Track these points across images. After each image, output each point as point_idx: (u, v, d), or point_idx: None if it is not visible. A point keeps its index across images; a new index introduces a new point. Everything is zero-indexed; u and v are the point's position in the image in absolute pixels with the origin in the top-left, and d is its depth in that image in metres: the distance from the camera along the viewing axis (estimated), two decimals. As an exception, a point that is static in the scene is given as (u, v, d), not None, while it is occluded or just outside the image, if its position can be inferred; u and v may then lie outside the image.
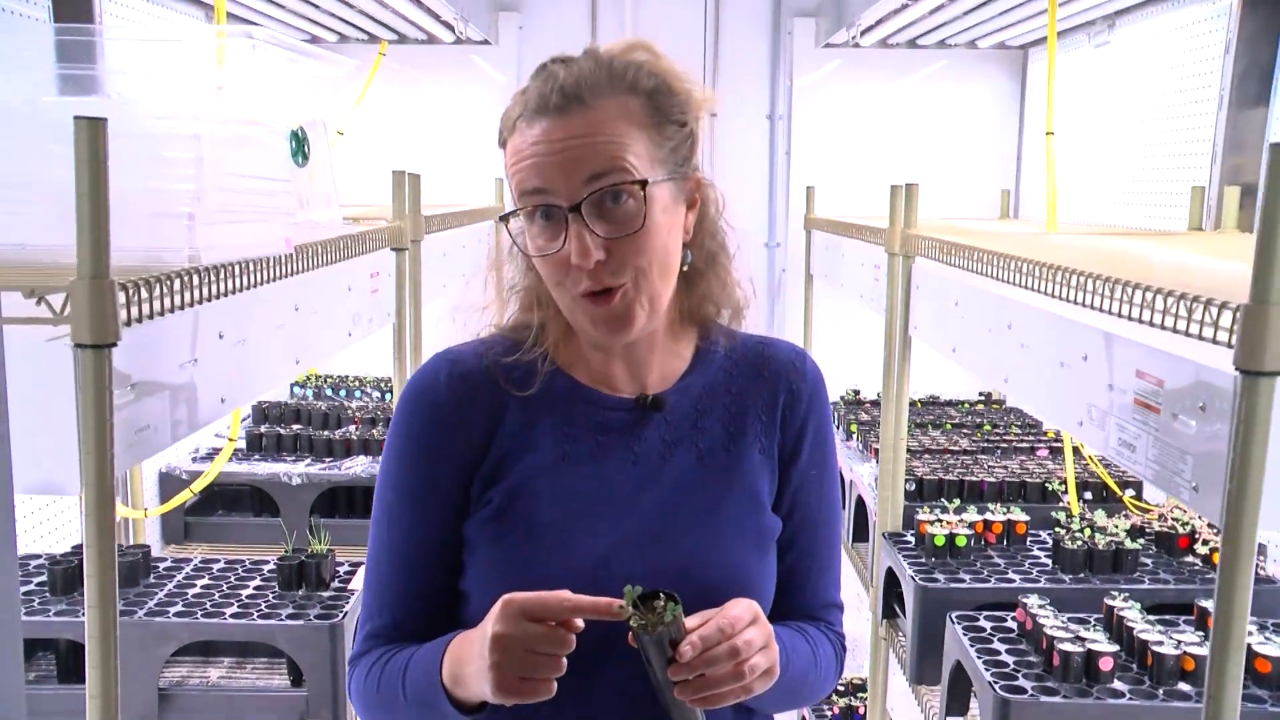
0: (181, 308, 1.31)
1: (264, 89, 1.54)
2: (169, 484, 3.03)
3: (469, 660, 1.09)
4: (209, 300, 1.36)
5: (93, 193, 1.13)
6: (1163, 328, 1.25)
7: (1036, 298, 1.74)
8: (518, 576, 1.14)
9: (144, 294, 1.20)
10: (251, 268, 1.50)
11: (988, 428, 3.56)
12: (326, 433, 3.30)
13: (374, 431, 3.31)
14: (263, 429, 3.31)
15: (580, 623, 1.05)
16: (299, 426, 3.42)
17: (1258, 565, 2.34)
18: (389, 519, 1.25)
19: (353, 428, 3.40)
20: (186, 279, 1.29)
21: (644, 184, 1.12)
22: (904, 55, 4.50)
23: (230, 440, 2.70)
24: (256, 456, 3.20)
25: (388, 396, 3.88)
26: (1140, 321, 1.27)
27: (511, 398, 1.23)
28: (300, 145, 1.86)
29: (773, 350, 1.31)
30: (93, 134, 1.12)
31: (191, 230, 1.39)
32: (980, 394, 4.14)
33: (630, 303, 1.15)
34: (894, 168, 4.38)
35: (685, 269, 1.24)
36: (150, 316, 1.24)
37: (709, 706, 1.07)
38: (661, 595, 1.05)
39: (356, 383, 4.00)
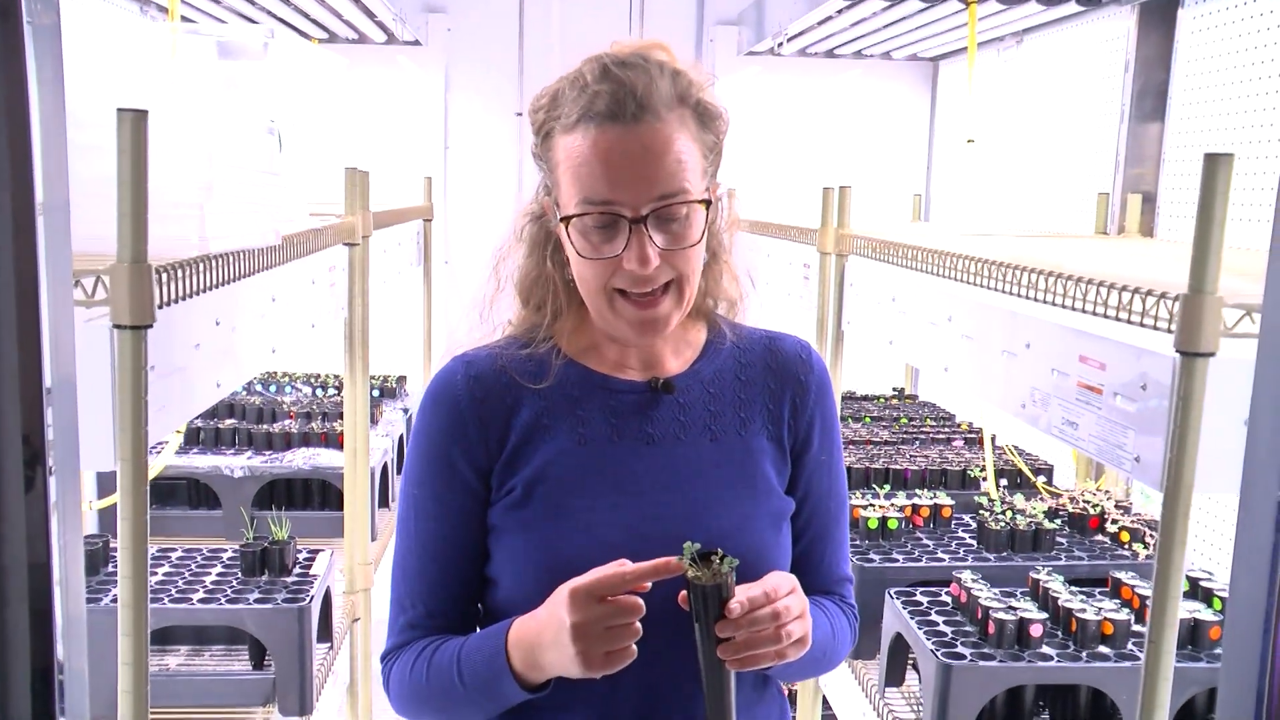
0: (201, 292, 1.37)
1: (270, 85, 1.60)
2: (105, 477, 3.01)
3: (545, 647, 1.15)
4: (225, 285, 1.42)
5: (134, 182, 1.20)
6: (1105, 317, 1.40)
7: (973, 291, 1.89)
8: (544, 560, 1.20)
9: (178, 278, 1.26)
10: (254, 257, 1.56)
11: (904, 420, 3.75)
12: (264, 426, 3.32)
13: (312, 425, 3.34)
14: (199, 422, 3.31)
15: (648, 585, 1.12)
16: (233, 420, 3.43)
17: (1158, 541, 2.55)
18: (416, 514, 1.29)
19: (289, 421, 3.42)
20: (214, 264, 1.34)
21: (707, 204, 1.21)
22: (821, 64, 4.69)
23: (178, 432, 2.71)
24: (195, 450, 3.20)
25: (318, 392, 3.91)
26: (1086, 312, 1.42)
27: (526, 391, 1.28)
28: (278, 140, 1.92)
29: (779, 344, 1.38)
30: (135, 126, 1.19)
31: (202, 220, 1.45)
32: (894, 389, 4.33)
33: (671, 308, 1.23)
34: (810, 172, 4.55)
35: None
36: (177, 300, 1.30)
37: (745, 668, 1.15)
38: (718, 553, 1.13)
39: (286, 378, 4.01)
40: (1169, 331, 1.26)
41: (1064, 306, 1.48)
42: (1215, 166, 1.21)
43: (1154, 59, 3.02)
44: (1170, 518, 1.25)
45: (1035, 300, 1.58)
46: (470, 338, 1.34)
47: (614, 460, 1.27)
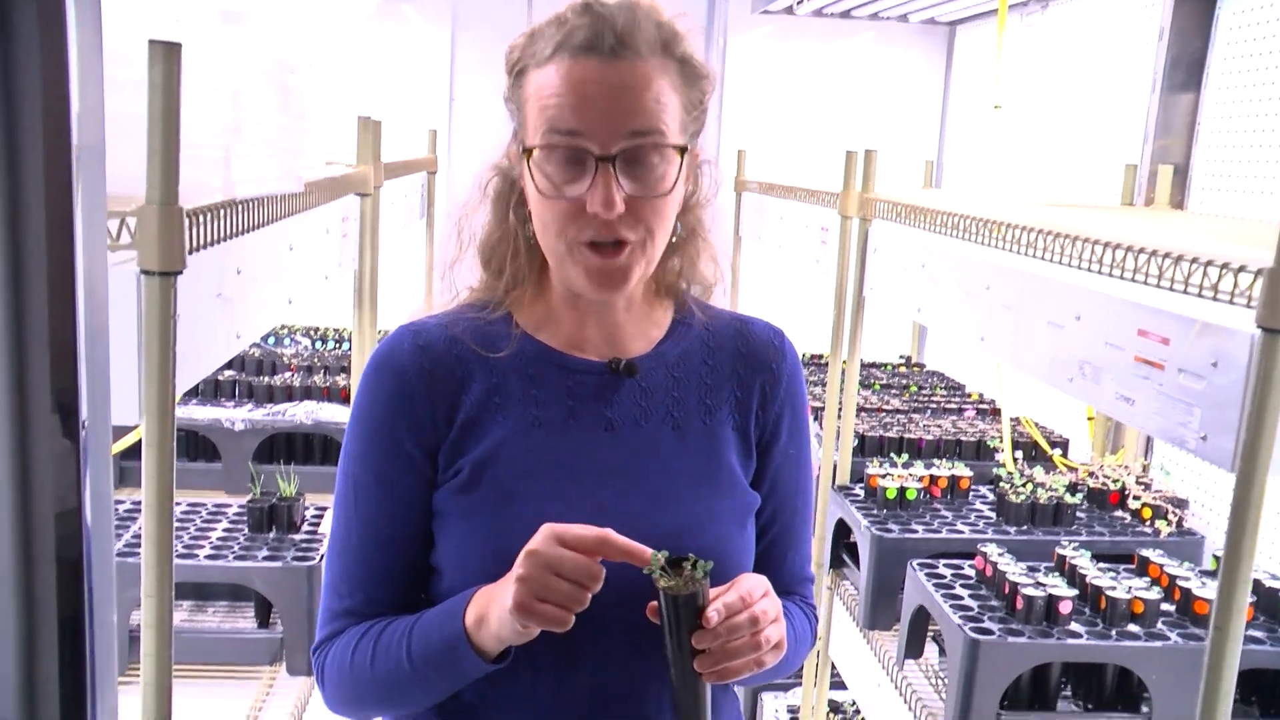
0: (227, 239, 1.30)
1: (296, 23, 1.52)
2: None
3: (498, 589, 1.06)
4: (250, 231, 1.35)
5: (165, 119, 1.12)
6: (1173, 290, 1.35)
7: (1015, 259, 1.84)
8: (490, 549, 1.11)
9: (206, 223, 1.20)
10: (277, 203, 1.49)
11: (914, 389, 3.70)
12: (265, 379, 3.25)
13: (314, 379, 3.27)
14: (199, 374, 3.23)
15: (601, 575, 1.02)
16: (232, 372, 3.36)
17: (1180, 518, 2.52)
18: (356, 494, 1.20)
19: (290, 374, 3.35)
20: (241, 209, 1.28)
21: (682, 150, 1.12)
22: (836, 24, 4.60)
23: (181, 383, 2.64)
24: (194, 401, 3.13)
25: (318, 345, 3.84)
26: (1150, 285, 1.37)
27: (478, 365, 1.19)
28: (303, 82, 1.84)
29: (751, 329, 1.29)
30: (167, 59, 1.11)
31: (227, 163, 1.38)
32: (901, 357, 4.29)
33: (632, 262, 1.13)
34: (820, 134, 4.49)
35: (673, 239, 1.22)
36: (205, 247, 1.23)
37: (724, 679, 1.07)
38: (690, 560, 1.05)
39: (286, 330, 3.94)
40: (1248, 306, 1.21)
41: (1127, 279, 1.42)
42: (1307, 134, 1.15)
43: (1190, 28, 2.94)
44: (1243, 500, 1.20)
45: (1091, 271, 1.52)
46: (438, 302, 1.24)
47: (569, 445, 1.17)
